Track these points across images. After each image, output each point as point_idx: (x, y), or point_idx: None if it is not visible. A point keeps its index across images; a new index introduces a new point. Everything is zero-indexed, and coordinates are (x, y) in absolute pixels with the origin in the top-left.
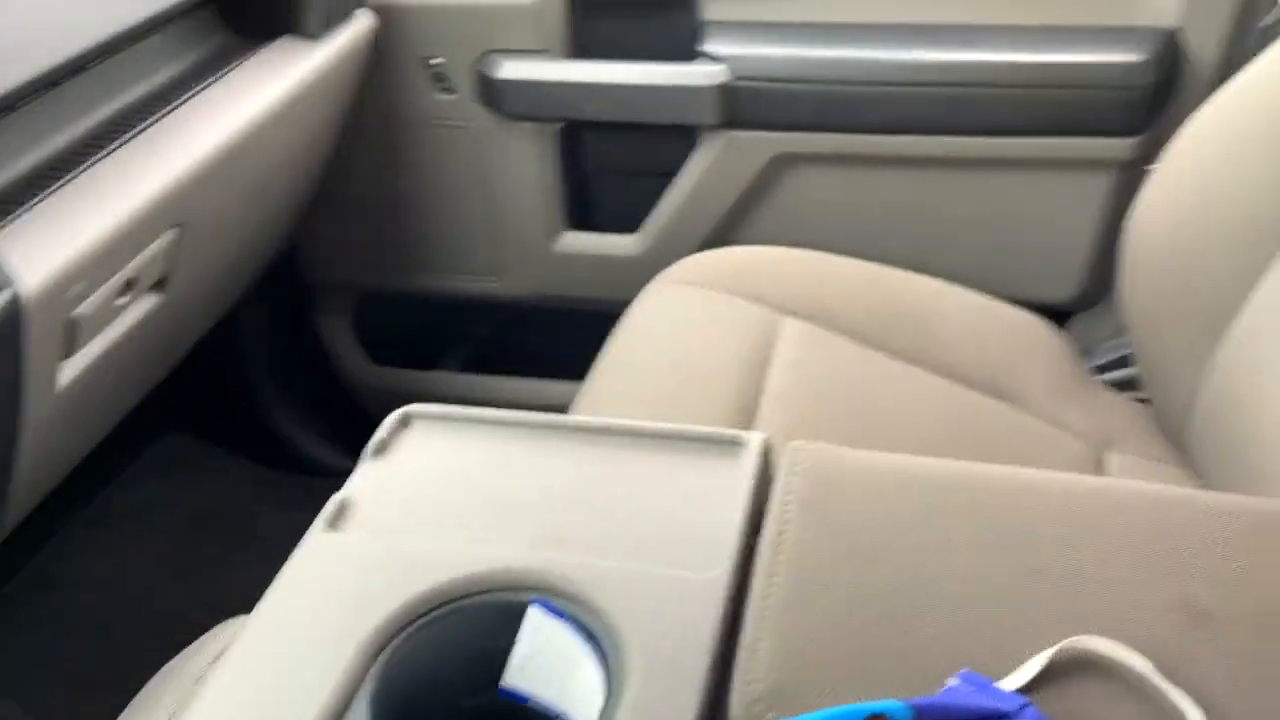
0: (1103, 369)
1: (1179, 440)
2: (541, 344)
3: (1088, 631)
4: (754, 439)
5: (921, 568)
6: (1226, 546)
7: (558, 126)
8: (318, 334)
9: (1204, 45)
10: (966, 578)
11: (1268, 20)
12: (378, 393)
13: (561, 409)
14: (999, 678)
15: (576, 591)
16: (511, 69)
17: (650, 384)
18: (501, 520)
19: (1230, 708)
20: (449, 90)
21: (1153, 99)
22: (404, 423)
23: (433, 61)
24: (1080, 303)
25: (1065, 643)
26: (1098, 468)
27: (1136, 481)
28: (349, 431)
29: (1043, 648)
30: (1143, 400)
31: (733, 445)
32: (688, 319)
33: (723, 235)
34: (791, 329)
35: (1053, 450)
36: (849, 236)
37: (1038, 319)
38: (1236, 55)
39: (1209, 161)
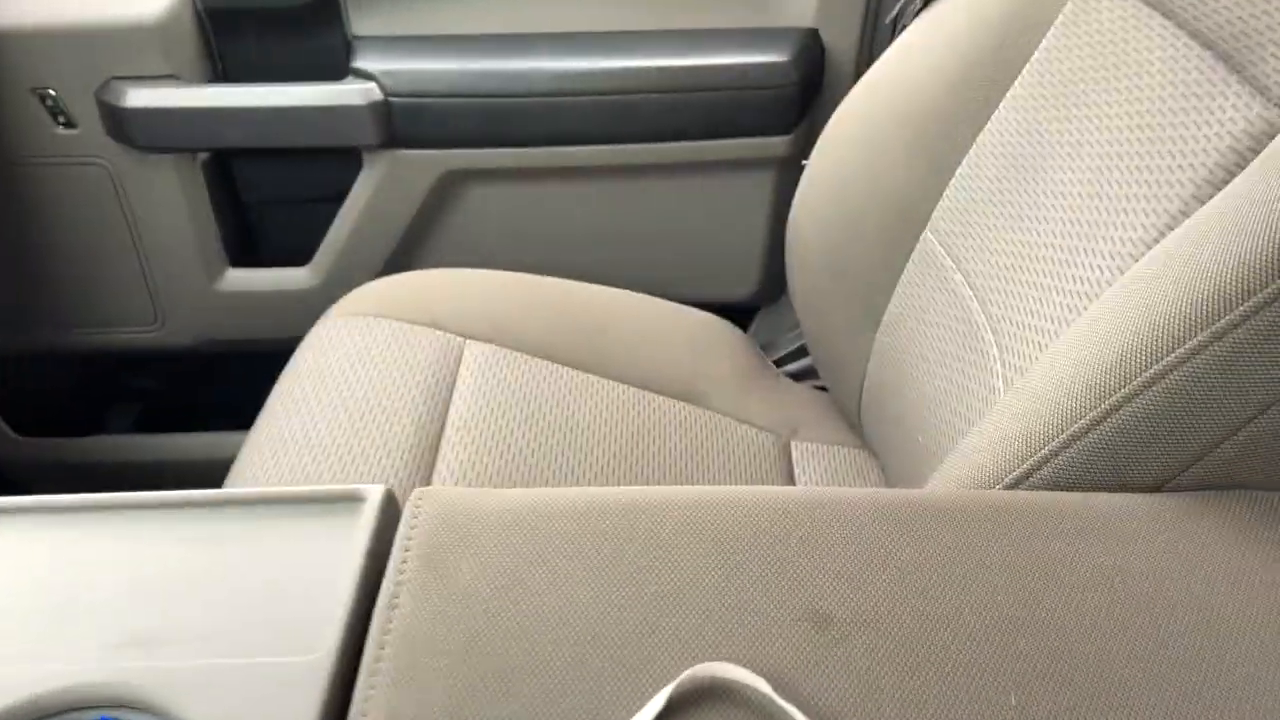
0: (784, 360)
1: (855, 422)
2: (215, 394)
3: (720, 656)
4: (374, 492)
5: (547, 611)
6: (851, 544)
7: (204, 156)
8: None
9: (840, 42)
10: (594, 616)
11: (892, 14)
12: (29, 467)
13: (227, 463)
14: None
15: (153, 701)
16: (140, 97)
17: (324, 425)
18: (71, 626)
19: (845, 716)
20: (70, 124)
21: (800, 96)
22: None
23: (46, 92)
24: (761, 299)
25: (685, 674)
26: (784, 455)
27: (769, 487)
28: None
29: (672, 680)
30: (822, 388)
31: (351, 502)
32: (363, 351)
33: (400, 260)
34: (474, 352)
35: (740, 445)
36: (528, 252)
37: (717, 319)
38: (869, 51)
39: (851, 155)
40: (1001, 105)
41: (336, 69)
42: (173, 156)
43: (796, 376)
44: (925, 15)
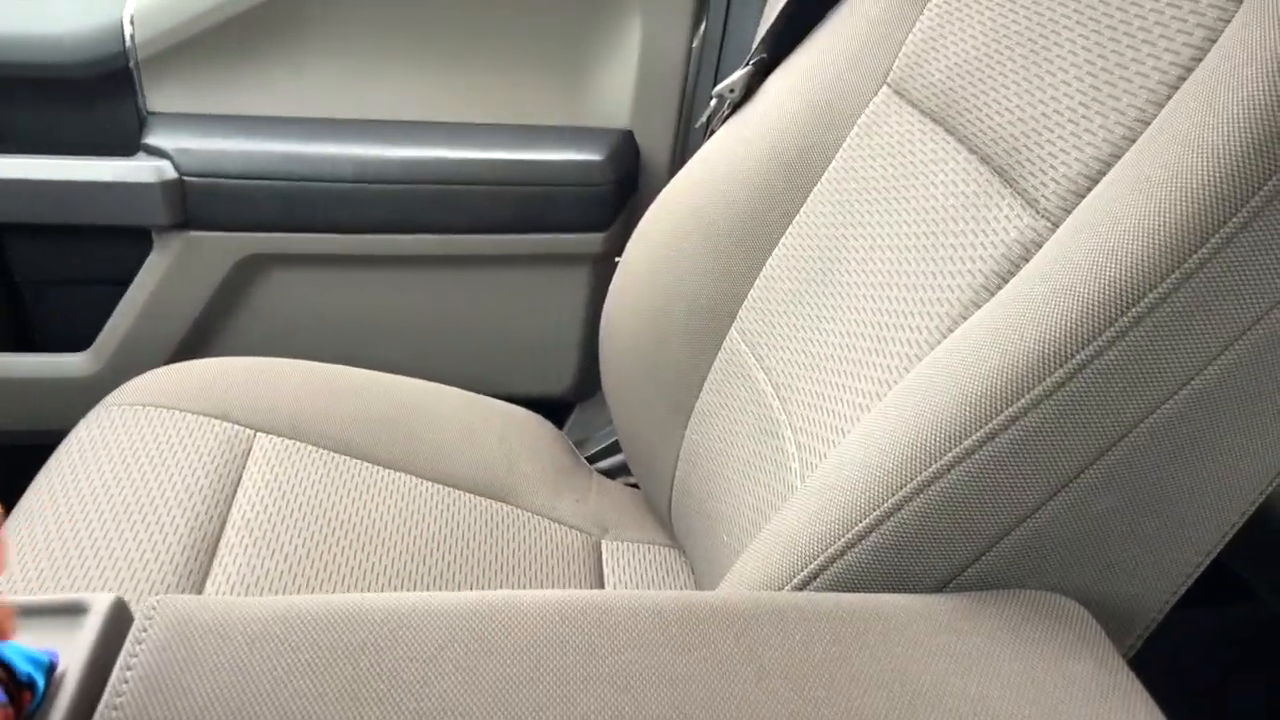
0: (597, 457)
1: (666, 519)
2: None
3: None
4: (100, 601)
5: None
6: (631, 651)
7: None
8: None
9: (654, 145)
10: None
11: (701, 119)
12: None
13: None
14: None
15: None
16: None
17: (85, 526)
18: None
19: None
20: None
21: (614, 195)
22: None
23: None
24: (577, 394)
25: None
26: (595, 554)
27: (550, 591)
28: None
29: None
30: (634, 485)
31: (73, 614)
32: (138, 443)
33: (191, 349)
34: (264, 446)
35: (550, 544)
36: (332, 342)
37: (530, 414)
38: (682, 152)
39: (660, 254)
40: (802, 210)
41: (128, 145)
42: None
43: (610, 473)
44: (733, 120)
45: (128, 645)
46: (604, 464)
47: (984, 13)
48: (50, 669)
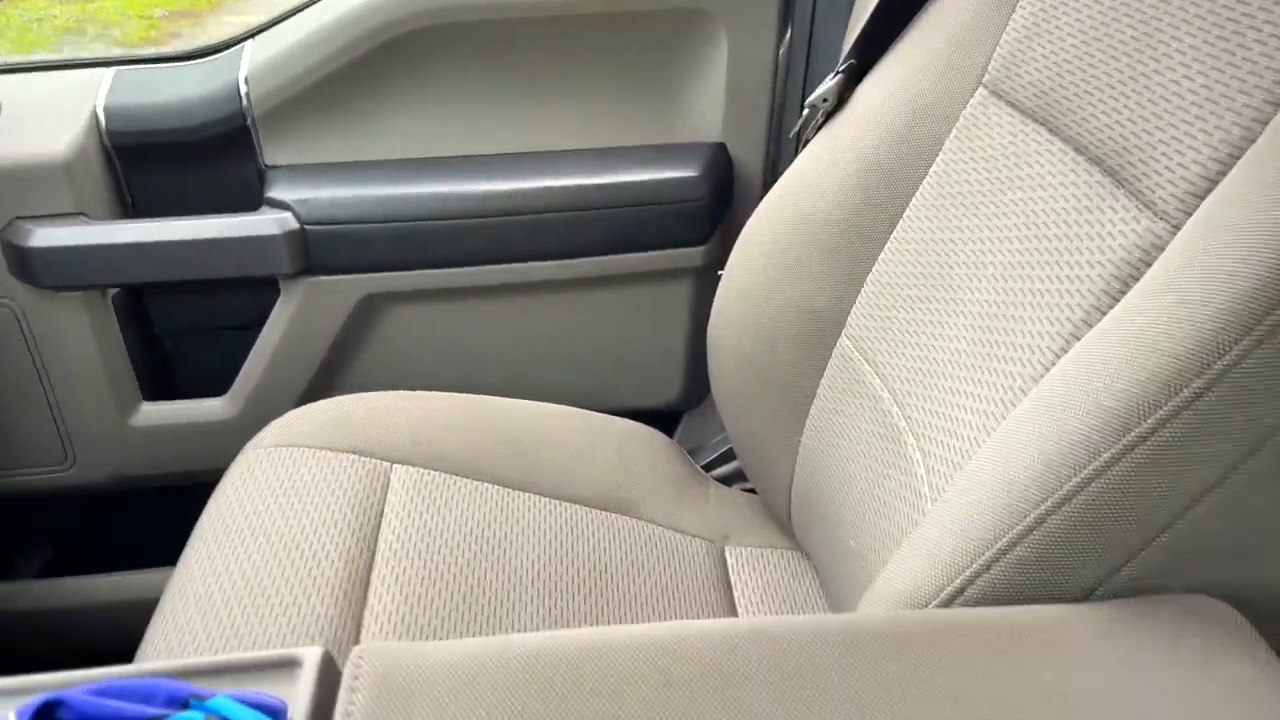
0: (712, 465)
1: (786, 523)
2: (131, 532)
3: None
4: (310, 655)
5: None
6: (796, 677)
7: (115, 291)
8: None
9: (747, 156)
10: None
11: (796, 128)
12: None
13: (155, 602)
14: None
15: None
16: (46, 236)
17: (249, 566)
18: None
19: None
20: None
21: (711, 208)
22: None
23: None
24: (685, 403)
25: None
26: (719, 562)
27: (715, 621)
28: None
29: None
30: (751, 490)
31: (287, 668)
32: (287, 482)
33: (320, 388)
34: (401, 477)
35: (675, 554)
36: (449, 372)
37: (643, 426)
38: (775, 163)
39: (763, 263)
40: (905, 216)
41: (250, 199)
42: (81, 293)
43: (725, 480)
44: (827, 128)
45: (343, 695)
46: (719, 471)
47: (1084, 7)
48: (279, 716)
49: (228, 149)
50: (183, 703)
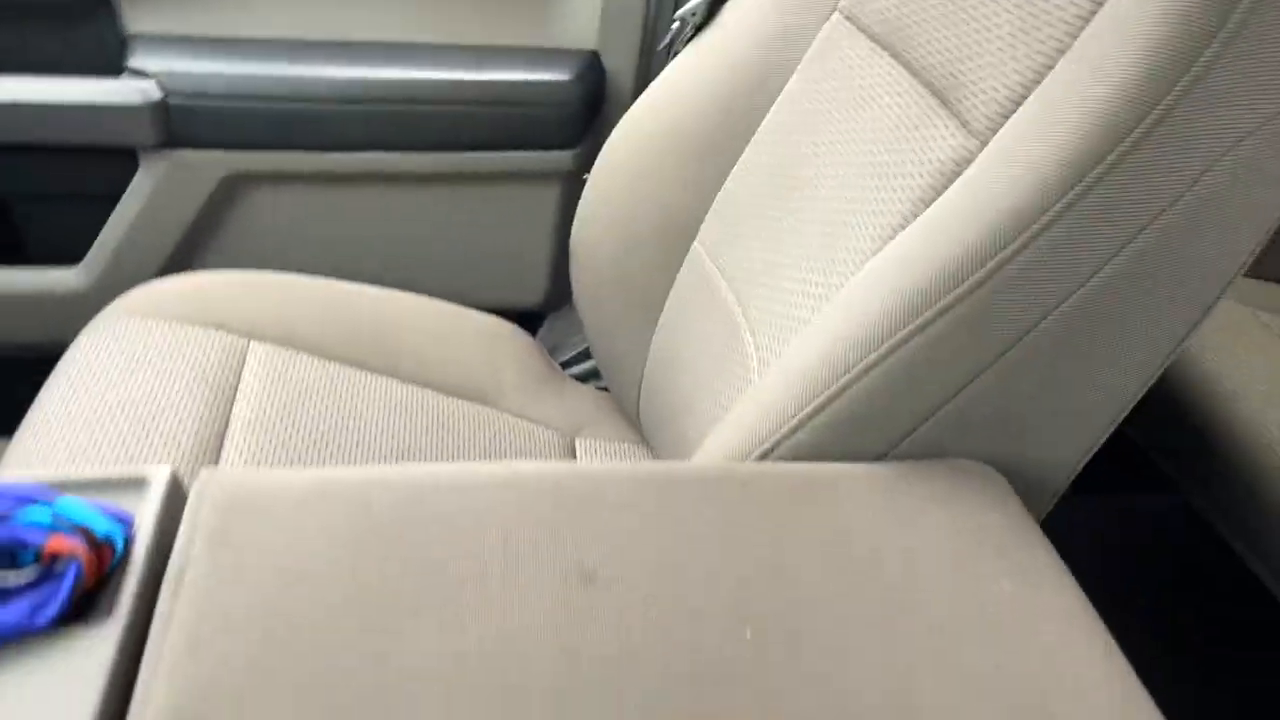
0: (569, 364)
1: (635, 419)
2: None
3: (495, 607)
4: (159, 473)
5: (329, 577)
6: (616, 511)
7: None
8: None
9: (619, 65)
10: (374, 580)
11: (665, 41)
12: None
13: None
14: None
15: None
16: None
17: (96, 428)
18: None
19: (602, 656)
20: None
21: (582, 114)
22: None
23: None
24: (548, 305)
25: None
26: (569, 452)
27: (546, 464)
28: None
29: (441, 649)
30: (605, 389)
31: (136, 485)
32: (141, 352)
33: (179, 263)
34: (257, 353)
35: (528, 443)
36: (314, 257)
37: (505, 323)
38: (646, 73)
39: (629, 168)
40: (760, 128)
41: (111, 66)
42: None
43: (581, 378)
44: (696, 42)
45: (189, 511)
46: (576, 369)
47: None
48: (127, 527)
49: (87, 11)
50: (32, 502)
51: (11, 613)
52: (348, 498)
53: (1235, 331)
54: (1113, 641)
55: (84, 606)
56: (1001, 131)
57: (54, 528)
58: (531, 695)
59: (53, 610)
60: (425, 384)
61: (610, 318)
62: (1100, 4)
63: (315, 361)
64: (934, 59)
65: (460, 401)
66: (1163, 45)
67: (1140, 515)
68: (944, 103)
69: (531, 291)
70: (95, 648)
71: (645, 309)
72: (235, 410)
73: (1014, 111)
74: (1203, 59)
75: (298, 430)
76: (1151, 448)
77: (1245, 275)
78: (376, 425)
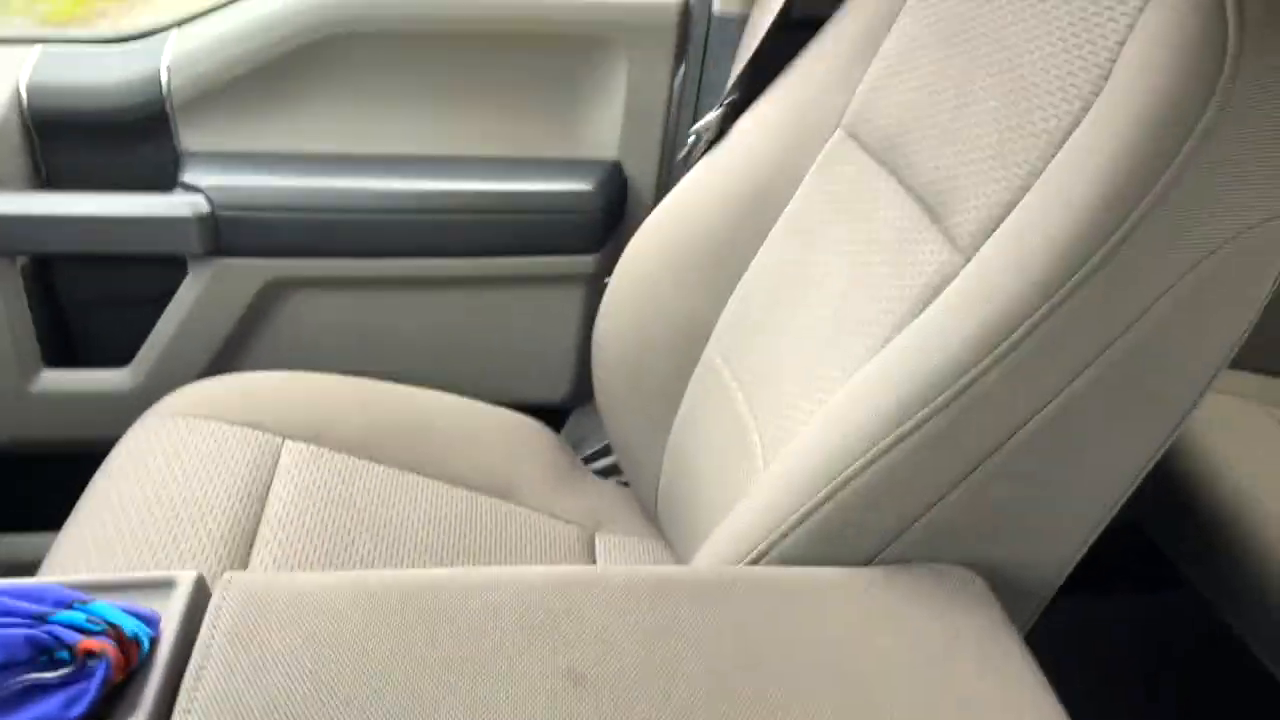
0: (592, 458)
1: (653, 515)
2: (26, 496)
3: (491, 712)
4: (185, 577)
5: (342, 676)
6: (607, 614)
7: (23, 260)
8: None
9: (640, 174)
10: (382, 681)
11: (682, 153)
12: None
13: (37, 565)
14: None
15: None
16: None
17: (136, 524)
18: None
19: None
20: None
21: (604, 220)
22: None
23: None
24: (573, 401)
25: None
26: (589, 547)
27: (547, 568)
28: None
29: None
30: (625, 484)
31: (163, 587)
32: (181, 450)
33: (220, 364)
34: (291, 452)
35: (548, 538)
36: (349, 356)
37: (530, 420)
38: (665, 181)
39: (647, 274)
40: (768, 239)
41: (165, 182)
42: None
43: (604, 473)
44: (709, 155)
45: (211, 609)
46: (598, 464)
47: (922, 64)
48: (154, 626)
49: (145, 132)
50: (68, 605)
51: (48, 706)
52: (358, 602)
53: (1249, 428)
54: None
55: (112, 699)
56: (983, 249)
57: (87, 628)
58: None
59: (83, 707)
60: (451, 480)
61: (628, 416)
62: (1068, 133)
63: (345, 459)
64: (926, 176)
65: (484, 498)
66: (1119, 176)
67: (1153, 611)
68: (934, 219)
69: (556, 388)
70: None
71: (662, 408)
72: (267, 509)
73: (994, 229)
74: (1154, 191)
75: (325, 529)
76: (1163, 543)
77: (1261, 372)
78: (402, 523)
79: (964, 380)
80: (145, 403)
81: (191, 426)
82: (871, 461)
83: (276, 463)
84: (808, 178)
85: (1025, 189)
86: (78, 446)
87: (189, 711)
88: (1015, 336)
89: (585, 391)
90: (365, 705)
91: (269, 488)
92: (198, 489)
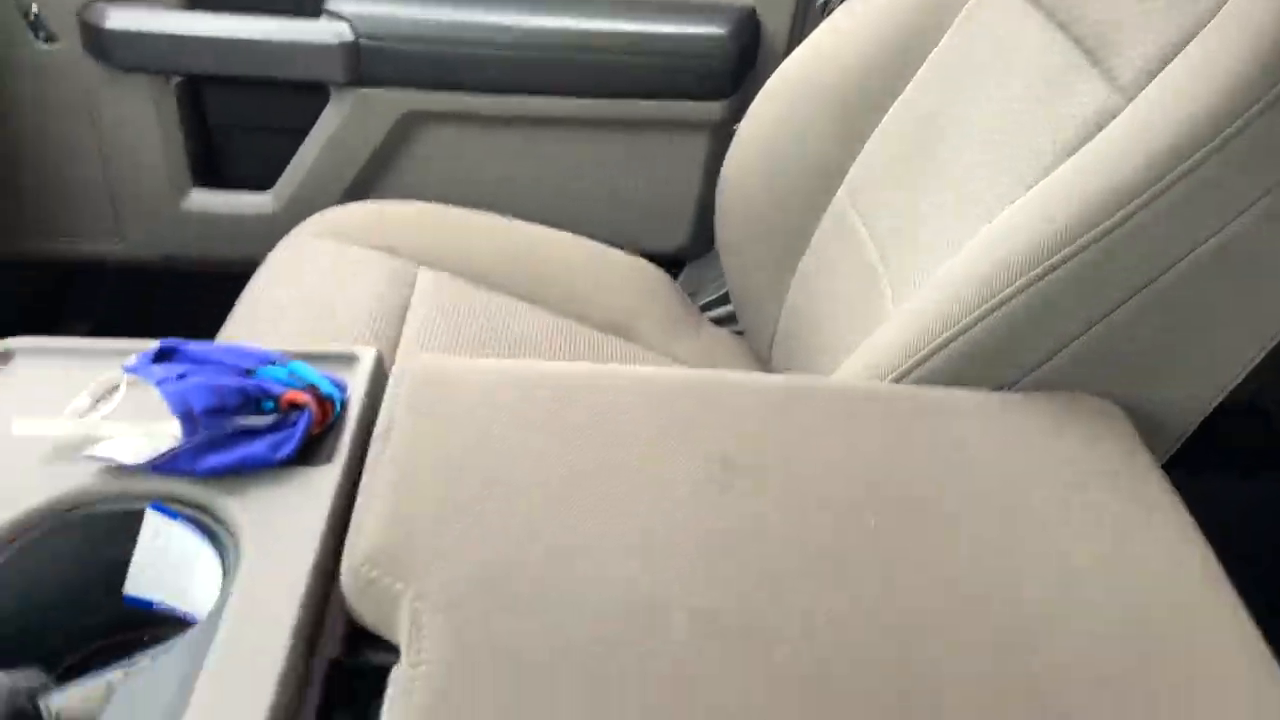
0: (708, 307)
1: (768, 363)
2: (171, 309)
3: (642, 482)
4: (367, 352)
5: (512, 443)
6: (757, 411)
7: (178, 79)
8: None
9: (775, 22)
10: (551, 463)
11: (819, 1)
12: None
13: None
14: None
15: (191, 495)
16: (121, 18)
17: (286, 334)
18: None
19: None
20: (50, 39)
21: (735, 67)
22: (5, 357)
23: (30, 8)
24: (690, 251)
25: None
26: None
27: (701, 370)
28: None
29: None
30: (740, 333)
31: (349, 360)
32: (323, 271)
33: (357, 191)
34: (426, 278)
35: None
36: (476, 191)
37: (649, 264)
38: (800, 30)
39: (778, 121)
40: (909, 86)
41: (311, 8)
42: (147, 77)
43: (719, 322)
44: (849, 2)
45: (392, 383)
46: (714, 313)
47: None
48: (343, 391)
49: None
50: (271, 363)
51: (257, 448)
52: (520, 385)
53: None
54: (1218, 566)
55: (311, 448)
56: (1148, 89)
57: (289, 383)
58: (677, 559)
59: (289, 449)
60: (572, 315)
61: (751, 263)
62: None
63: (476, 288)
64: (1087, 18)
65: (603, 335)
66: None
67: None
68: (1094, 60)
69: (675, 237)
70: (322, 481)
71: (786, 255)
72: (406, 328)
73: (1161, 70)
74: None
75: (462, 350)
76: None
77: None
78: (525, 348)
79: (1125, 211)
80: (285, 225)
81: (330, 249)
82: (1023, 289)
83: (413, 286)
84: (954, 24)
85: (1199, 28)
86: (224, 265)
87: (379, 463)
88: (1181, 169)
89: (702, 243)
90: (529, 472)
91: (407, 309)
92: (340, 307)
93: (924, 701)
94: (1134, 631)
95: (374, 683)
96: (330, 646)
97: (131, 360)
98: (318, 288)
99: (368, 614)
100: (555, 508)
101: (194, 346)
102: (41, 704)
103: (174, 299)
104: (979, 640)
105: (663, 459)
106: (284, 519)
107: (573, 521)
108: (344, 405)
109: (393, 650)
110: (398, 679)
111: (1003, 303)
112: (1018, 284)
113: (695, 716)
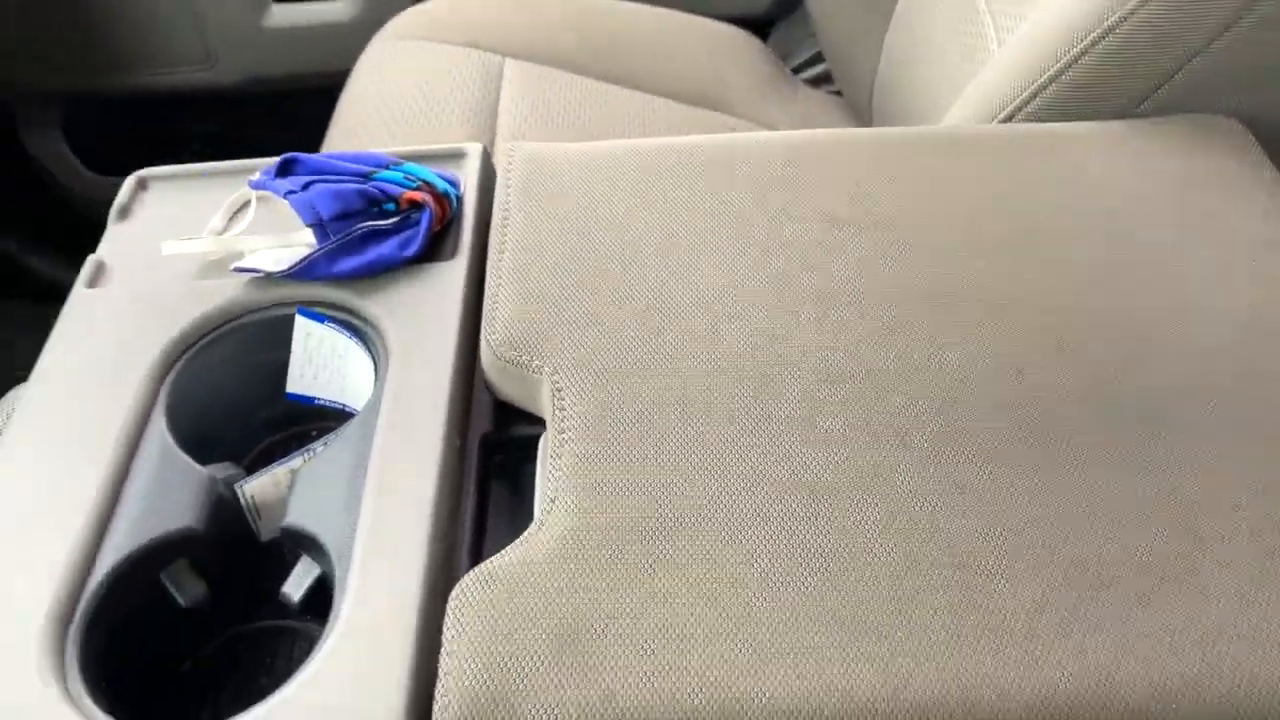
0: (801, 69)
1: (868, 119)
2: (269, 130)
3: (747, 241)
4: (474, 148)
5: (626, 228)
6: (861, 166)
7: None
8: (25, 149)
9: None
10: (664, 231)
11: None
12: (100, 204)
13: None
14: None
15: (333, 298)
16: None
17: (388, 140)
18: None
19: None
20: None
21: None
22: (142, 186)
23: None
24: (778, 11)
25: None
26: None
27: (800, 131)
28: (76, 247)
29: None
30: (837, 93)
31: (457, 156)
32: (412, 73)
33: None
34: (512, 69)
35: None
36: None
37: (737, 30)
38: None
39: None
40: None
41: None
42: None
43: (813, 83)
44: None
45: (502, 174)
46: (807, 74)
47: None
48: (457, 186)
49: None
50: (386, 166)
51: (385, 248)
52: (620, 163)
53: None
54: None
55: (435, 244)
56: None
57: (406, 184)
58: (798, 300)
59: (416, 246)
60: (661, 92)
61: (844, 16)
62: None
63: (563, 75)
64: None
65: (696, 109)
66: None
67: None
68: None
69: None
70: (450, 274)
71: (880, 3)
72: (499, 122)
73: None
74: None
75: (554, 138)
76: None
77: None
78: (619, 130)
79: None
80: (364, 31)
81: (416, 50)
82: (1132, 12)
83: (500, 79)
84: None
85: None
86: (309, 81)
87: (502, 252)
88: None
89: (789, 2)
90: (644, 245)
91: (498, 103)
92: (435, 105)
93: (1039, 425)
94: (1248, 349)
95: (523, 452)
96: (480, 423)
97: (256, 176)
98: (410, 90)
99: (511, 391)
100: (672, 274)
101: (312, 157)
102: (238, 489)
103: (268, 119)
104: (1093, 359)
105: (769, 216)
106: (421, 311)
107: (690, 285)
108: (460, 200)
109: (536, 422)
110: (545, 446)
111: (1109, 31)
112: (1123, 11)
113: (817, 457)
